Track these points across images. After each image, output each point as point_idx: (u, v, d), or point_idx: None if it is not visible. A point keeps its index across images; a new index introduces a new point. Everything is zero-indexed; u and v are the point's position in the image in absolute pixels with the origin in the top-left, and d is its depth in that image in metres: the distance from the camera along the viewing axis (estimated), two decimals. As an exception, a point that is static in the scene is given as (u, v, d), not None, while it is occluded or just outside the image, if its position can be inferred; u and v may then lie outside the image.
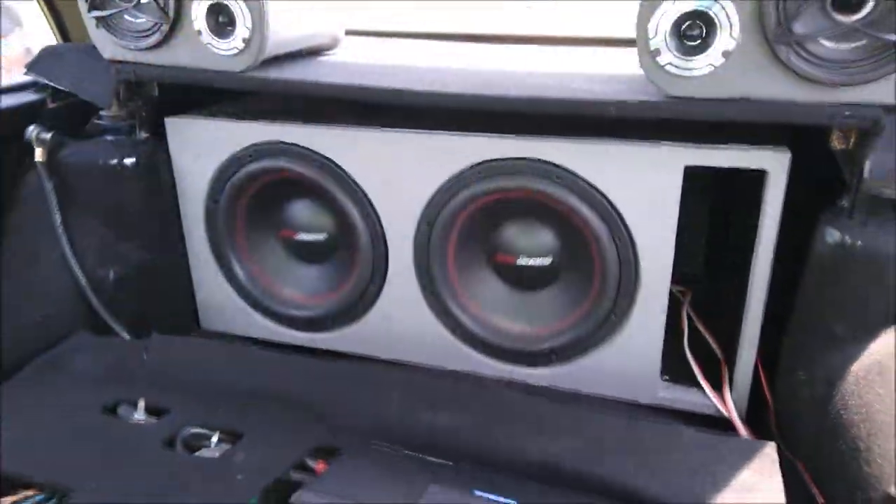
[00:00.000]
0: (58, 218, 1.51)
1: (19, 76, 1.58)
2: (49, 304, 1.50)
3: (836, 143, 1.19)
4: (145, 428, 1.23)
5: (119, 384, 1.36)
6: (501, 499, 1.05)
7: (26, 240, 1.52)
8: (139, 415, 1.27)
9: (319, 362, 1.47)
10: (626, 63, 1.46)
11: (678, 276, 1.73)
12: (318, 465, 1.16)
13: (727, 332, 1.46)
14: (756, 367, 1.37)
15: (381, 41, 1.89)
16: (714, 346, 1.53)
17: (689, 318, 1.62)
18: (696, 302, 1.69)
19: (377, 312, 1.55)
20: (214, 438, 1.22)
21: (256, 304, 1.63)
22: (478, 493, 1.06)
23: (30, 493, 1.06)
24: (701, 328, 1.59)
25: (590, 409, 1.29)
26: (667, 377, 1.46)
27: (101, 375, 1.39)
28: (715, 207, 1.78)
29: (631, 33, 1.19)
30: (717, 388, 1.42)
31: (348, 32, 1.83)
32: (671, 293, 1.70)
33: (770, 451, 1.15)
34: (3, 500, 1.03)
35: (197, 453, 1.20)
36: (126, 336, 1.54)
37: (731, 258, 1.61)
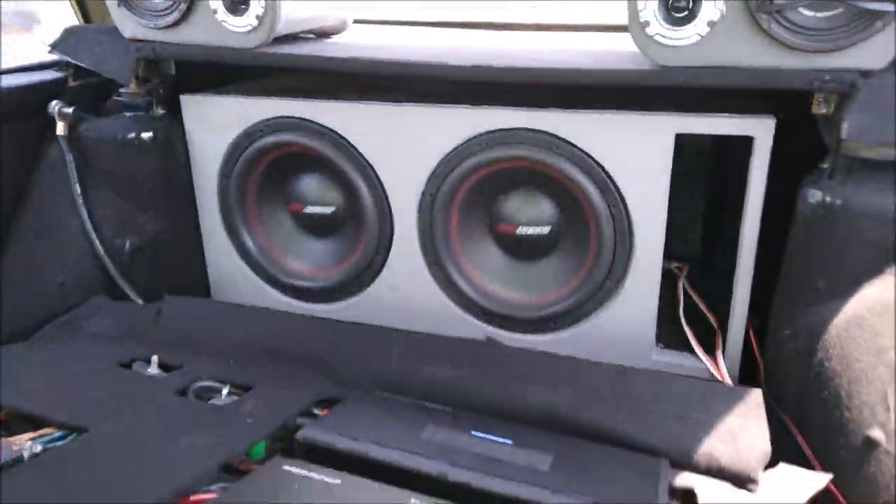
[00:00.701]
0: (77, 189, 1.60)
1: (43, 56, 1.67)
2: (68, 271, 1.58)
3: (818, 109, 1.25)
4: (158, 380, 1.30)
5: (133, 343, 1.43)
6: (497, 438, 1.11)
7: (48, 209, 1.60)
8: (153, 369, 1.34)
9: (326, 321, 1.53)
10: (625, 45, 1.53)
11: (676, 254, 1.81)
12: (323, 413, 1.22)
13: (722, 305, 1.51)
14: (748, 330, 1.43)
15: (388, 28, 1.98)
16: (709, 316, 1.58)
17: (686, 293, 1.68)
18: (693, 279, 1.75)
19: (382, 283, 1.62)
20: (225, 391, 1.29)
21: (266, 276, 1.70)
22: (474, 433, 1.13)
23: (49, 430, 1.13)
24: (696, 300, 1.65)
25: (584, 361, 1.34)
26: (662, 344, 1.52)
27: (116, 335, 1.47)
28: (711, 191, 1.85)
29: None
30: (711, 354, 1.48)
31: (356, 22, 1.92)
32: (669, 270, 1.77)
33: (756, 397, 1.21)
34: (23, 435, 1.10)
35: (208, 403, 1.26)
36: (140, 303, 1.62)
37: (726, 237, 1.68)
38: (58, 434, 1.11)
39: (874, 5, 1.14)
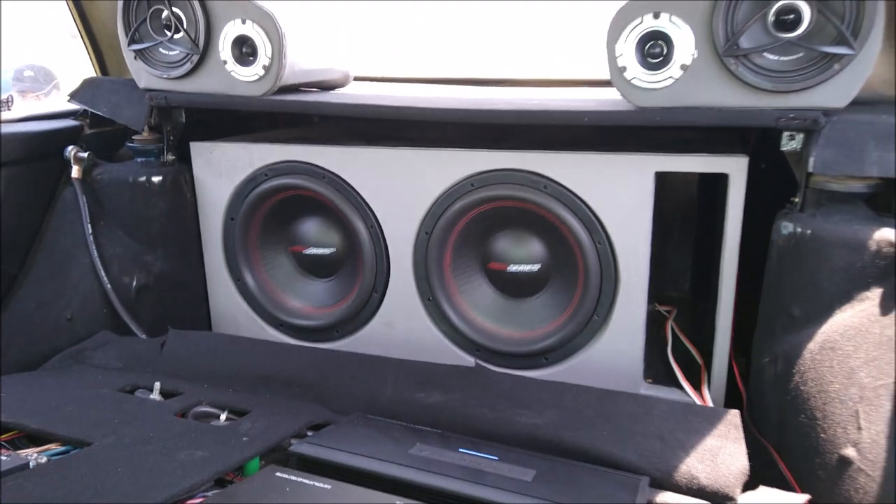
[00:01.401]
0: (89, 229, 1.71)
1: (62, 104, 1.82)
2: (76, 307, 1.67)
3: (786, 146, 1.36)
4: (159, 404, 1.37)
5: (136, 373, 1.51)
6: (483, 454, 1.18)
7: (59, 247, 1.71)
8: (154, 395, 1.42)
9: (322, 351, 1.61)
10: (608, 95, 1.66)
11: (666, 298, 1.89)
12: (317, 435, 1.28)
13: (709, 345, 1.58)
14: (731, 360, 1.50)
15: (387, 85, 2.13)
16: (695, 354, 1.65)
17: (674, 334, 1.76)
18: (683, 322, 1.83)
19: (379, 320, 1.70)
20: (223, 416, 1.36)
21: (266, 315, 1.79)
22: (462, 450, 1.19)
23: (54, 446, 1.20)
24: (683, 340, 1.72)
25: (569, 386, 1.41)
26: (650, 380, 1.59)
27: (120, 366, 1.54)
28: (699, 239, 1.95)
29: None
30: (698, 389, 1.54)
31: (356, 79, 2.07)
32: (659, 313, 1.85)
33: (734, 417, 1.27)
34: (31, 449, 1.17)
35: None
36: (144, 338, 1.70)
37: (713, 277, 1.76)
38: (62, 448, 1.18)
39: (832, 49, 1.26)
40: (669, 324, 1.78)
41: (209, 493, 1.06)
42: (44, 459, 1.12)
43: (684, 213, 1.93)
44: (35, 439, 1.23)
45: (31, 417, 1.25)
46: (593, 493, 1.08)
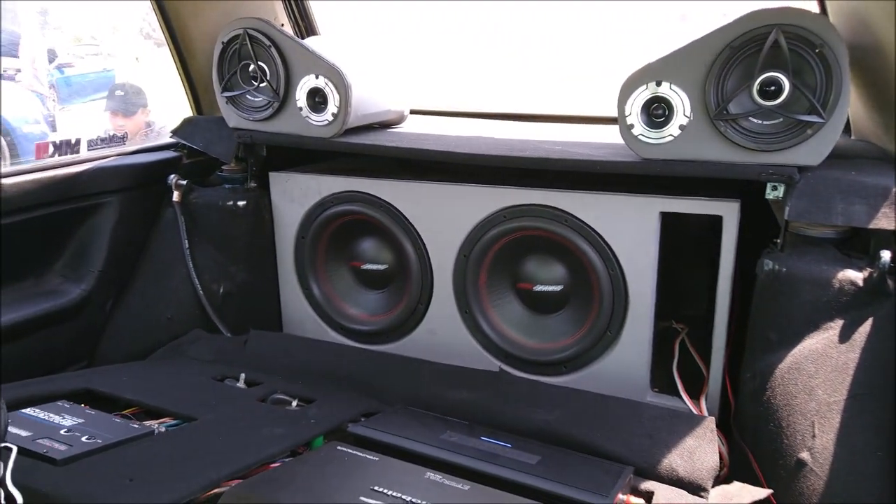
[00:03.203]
0: (186, 244, 2.13)
1: (164, 138, 2.25)
2: (174, 308, 2.11)
3: (770, 195, 1.66)
4: (245, 391, 1.77)
5: (225, 365, 1.91)
6: (499, 442, 1.53)
7: (163, 259, 2.15)
8: (240, 384, 1.82)
9: (373, 353, 2.00)
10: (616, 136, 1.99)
11: (683, 316, 2.20)
12: (368, 421, 1.66)
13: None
14: (724, 375, 1.81)
15: (436, 119, 2.50)
16: (702, 367, 1.96)
17: (686, 349, 2.06)
18: (698, 338, 2.13)
19: (423, 328, 2.07)
20: (294, 403, 1.75)
21: (328, 320, 2.18)
22: (483, 438, 1.54)
23: (168, 419, 1.60)
24: (694, 354, 2.02)
25: (575, 390, 1.75)
26: (657, 389, 1.90)
27: (211, 359, 1.96)
28: (712, 264, 2.24)
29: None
30: (698, 399, 1.85)
31: (412, 112, 2.45)
32: (674, 329, 2.16)
33: (710, 423, 1.58)
34: (152, 421, 1.58)
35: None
36: (228, 335, 2.11)
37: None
38: (175, 422, 1.59)
39: (805, 117, 1.56)
40: (678, 340, 2.08)
41: (286, 460, 1.44)
42: (163, 429, 1.53)
43: (701, 239, 2.23)
44: (152, 413, 1.64)
45: (148, 397, 1.66)
46: (585, 476, 1.42)
